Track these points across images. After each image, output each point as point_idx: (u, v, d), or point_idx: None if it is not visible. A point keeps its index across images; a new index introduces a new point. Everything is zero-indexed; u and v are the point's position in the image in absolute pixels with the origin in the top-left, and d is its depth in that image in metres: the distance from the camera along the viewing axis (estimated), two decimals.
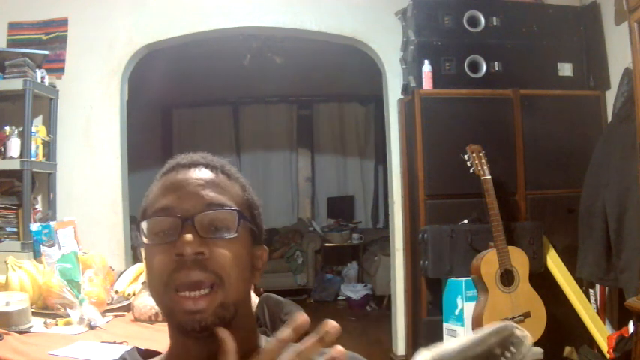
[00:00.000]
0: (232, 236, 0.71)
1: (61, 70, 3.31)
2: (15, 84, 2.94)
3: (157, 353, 0.82)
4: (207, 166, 0.75)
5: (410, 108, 3.23)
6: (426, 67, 3.16)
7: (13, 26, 3.33)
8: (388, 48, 3.51)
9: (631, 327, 2.33)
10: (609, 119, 3.19)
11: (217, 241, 0.70)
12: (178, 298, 0.67)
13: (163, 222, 0.70)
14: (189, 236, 0.68)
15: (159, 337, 1.74)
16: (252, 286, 0.80)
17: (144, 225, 0.72)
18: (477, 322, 2.67)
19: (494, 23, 3.28)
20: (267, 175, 6.68)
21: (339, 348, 0.59)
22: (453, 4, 3.28)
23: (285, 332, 0.59)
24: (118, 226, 3.30)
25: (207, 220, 0.70)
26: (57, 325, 1.92)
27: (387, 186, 4.02)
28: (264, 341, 0.79)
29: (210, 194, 0.72)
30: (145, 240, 0.72)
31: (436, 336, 2.92)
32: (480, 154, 2.77)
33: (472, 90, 3.19)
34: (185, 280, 0.67)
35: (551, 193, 3.20)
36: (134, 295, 2.16)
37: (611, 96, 3.20)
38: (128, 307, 2.12)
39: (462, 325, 2.74)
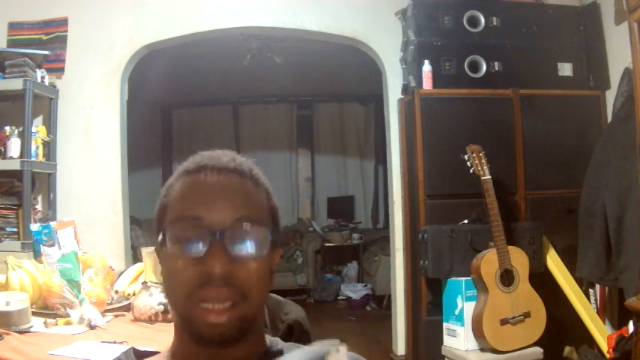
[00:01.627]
0: (261, 255, 0.70)
1: (61, 70, 3.31)
2: (15, 84, 2.94)
3: (154, 354, 0.82)
4: (236, 170, 0.73)
5: (410, 108, 3.23)
6: (426, 67, 3.16)
7: (13, 26, 3.33)
8: (388, 48, 3.51)
9: (631, 327, 2.33)
10: (609, 119, 3.19)
11: (245, 258, 0.69)
12: (201, 311, 0.67)
13: (190, 231, 0.68)
14: (218, 254, 0.66)
15: (159, 337, 1.74)
16: None
17: (169, 232, 0.70)
18: (477, 322, 2.67)
19: (494, 23, 3.28)
20: (267, 175, 6.58)
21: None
22: (453, 4, 3.28)
23: None
24: (118, 226, 3.30)
25: (236, 235, 0.69)
26: (57, 325, 1.92)
27: (387, 186, 4.02)
28: (267, 341, 0.79)
29: (240, 207, 0.70)
30: (168, 246, 0.69)
31: (436, 336, 2.93)
32: (480, 154, 2.77)
33: (472, 90, 3.19)
34: (211, 295, 0.67)
35: (551, 193, 3.20)
36: (134, 295, 2.16)
37: (611, 96, 3.20)
38: (128, 307, 2.12)
39: (462, 325, 2.74)
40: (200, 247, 0.67)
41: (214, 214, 0.68)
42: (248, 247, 0.69)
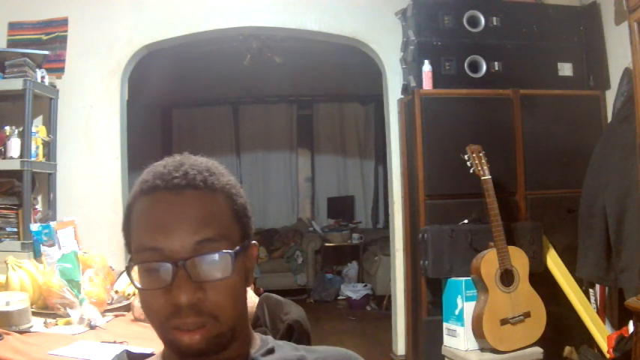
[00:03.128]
0: (229, 274, 0.69)
1: (61, 70, 3.31)
2: (15, 84, 2.94)
3: (149, 356, 0.82)
4: (188, 186, 0.69)
5: (410, 108, 3.23)
6: (426, 67, 3.16)
7: (13, 26, 3.33)
8: (388, 48, 3.51)
9: (631, 327, 2.33)
10: (609, 119, 3.19)
11: (212, 282, 0.68)
12: (176, 332, 0.68)
13: (153, 262, 0.68)
14: (183, 284, 0.66)
15: (158, 338, 1.74)
16: (252, 286, 0.80)
17: (134, 261, 0.70)
18: (477, 322, 2.67)
19: (494, 23, 3.28)
20: (267, 175, 6.68)
21: None
22: (453, 4, 3.28)
23: None
24: (118, 226, 3.22)
25: (199, 260, 0.67)
26: (57, 325, 1.92)
27: (387, 186, 4.02)
28: (258, 340, 0.79)
29: (198, 229, 0.68)
30: (136, 282, 0.70)
31: (436, 336, 2.93)
32: (480, 154, 2.77)
33: (472, 90, 3.19)
34: (182, 324, 0.67)
35: (551, 193, 3.20)
36: (134, 295, 2.16)
37: (611, 96, 3.20)
38: (128, 307, 2.12)
39: (462, 325, 2.74)
40: (164, 278, 0.67)
41: (173, 242, 0.67)
42: (213, 270, 0.68)
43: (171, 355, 0.73)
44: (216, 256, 0.68)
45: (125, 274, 2.35)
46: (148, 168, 0.74)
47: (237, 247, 0.71)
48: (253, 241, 0.76)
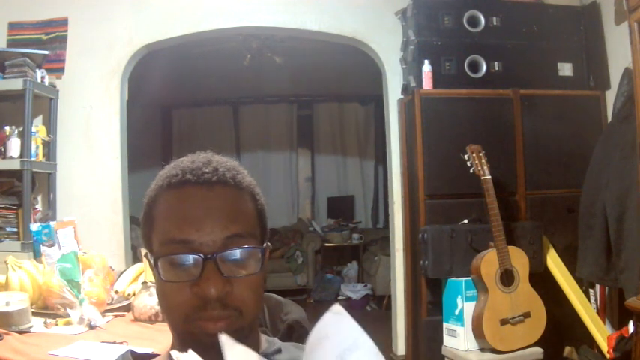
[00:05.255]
0: (256, 270, 0.70)
1: (61, 70, 3.31)
2: (15, 84, 2.94)
3: (153, 356, 0.82)
4: (219, 183, 0.71)
5: (410, 108, 3.24)
6: (426, 67, 3.16)
7: (13, 26, 3.33)
8: (388, 48, 3.51)
9: (631, 327, 2.33)
10: (609, 119, 3.19)
11: (240, 277, 0.68)
12: (201, 322, 0.67)
13: (181, 254, 0.68)
14: (212, 277, 0.66)
15: (159, 337, 1.74)
16: None
17: (159, 254, 0.69)
18: (477, 322, 2.67)
19: (494, 23, 3.28)
20: (267, 175, 6.67)
21: None
22: (453, 4, 3.28)
23: None
24: (118, 226, 3.30)
25: (228, 255, 0.68)
26: (57, 325, 1.92)
27: (387, 186, 4.02)
28: (264, 342, 0.79)
29: (228, 224, 0.69)
30: (161, 269, 0.69)
31: (436, 336, 2.93)
32: (480, 154, 2.77)
33: (472, 90, 3.19)
34: (208, 317, 0.67)
35: (551, 193, 3.20)
36: (134, 295, 2.16)
37: (611, 96, 3.20)
38: (128, 307, 2.12)
39: (462, 325, 2.74)
40: (193, 271, 0.67)
41: (204, 235, 0.68)
42: (242, 265, 0.69)
43: (183, 351, 0.72)
44: (245, 252, 0.69)
45: (125, 273, 2.35)
46: (170, 164, 0.75)
47: (264, 245, 0.72)
48: (268, 243, 0.78)
